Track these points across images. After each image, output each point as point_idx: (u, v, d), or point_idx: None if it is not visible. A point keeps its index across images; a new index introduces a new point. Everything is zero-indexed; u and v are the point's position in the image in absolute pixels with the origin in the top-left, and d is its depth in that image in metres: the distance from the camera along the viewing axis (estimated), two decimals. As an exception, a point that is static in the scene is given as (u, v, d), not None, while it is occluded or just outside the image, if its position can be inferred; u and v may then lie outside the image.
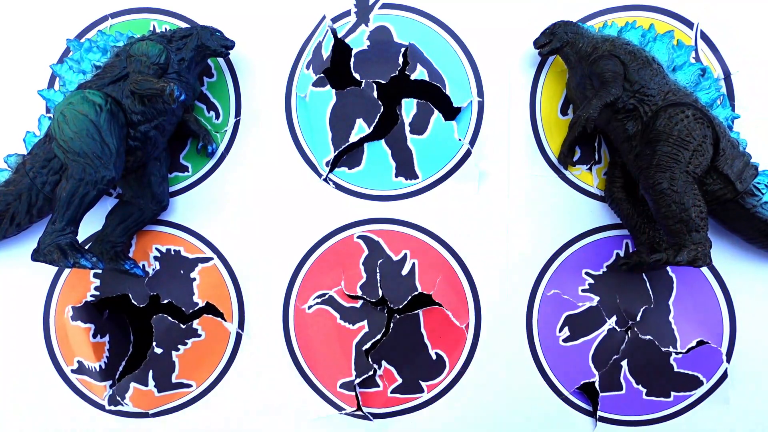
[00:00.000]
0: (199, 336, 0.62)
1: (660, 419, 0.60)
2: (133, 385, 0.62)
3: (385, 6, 0.64)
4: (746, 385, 0.59)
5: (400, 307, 0.64)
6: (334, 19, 0.64)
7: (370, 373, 0.62)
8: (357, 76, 0.62)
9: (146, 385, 0.62)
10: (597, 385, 0.64)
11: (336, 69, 0.64)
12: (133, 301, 0.62)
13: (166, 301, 0.62)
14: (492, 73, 0.64)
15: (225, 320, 0.62)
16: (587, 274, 0.61)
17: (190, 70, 0.60)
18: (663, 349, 0.60)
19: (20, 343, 0.64)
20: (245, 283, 0.64)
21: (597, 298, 0.60)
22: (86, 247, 0.60)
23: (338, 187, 0.66)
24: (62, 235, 0.52)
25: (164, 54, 0.56)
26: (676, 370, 0.60)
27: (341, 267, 0.64)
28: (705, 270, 0.60)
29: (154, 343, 0.61)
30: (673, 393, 0.60)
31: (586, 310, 0.61)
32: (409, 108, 0.63)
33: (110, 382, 0.63)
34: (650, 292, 0.61)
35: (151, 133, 0.58)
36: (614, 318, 0.60)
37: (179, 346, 0.62)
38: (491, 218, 0.61)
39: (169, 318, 0.62)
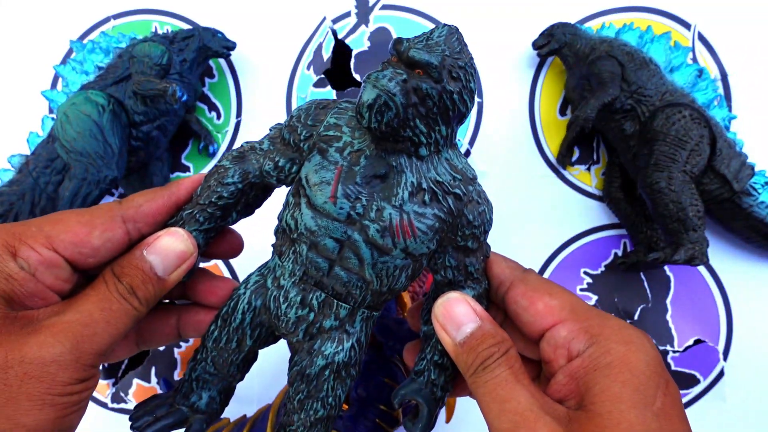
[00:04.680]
0: (203, 332, 0.62)
1: (657, 417, 0.60)
2: (136, 381, 0.62)
3: (385, 7, 0.64)
4: (743, 382, 0.59)
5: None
6: (335, 20, 0.64)
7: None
8: (357, 76, 0.63)
9: (149, 381, 0.63)
10: (595, 383, 0.64)
11: (336, 70, 0.65)
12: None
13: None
14: (491, 74, 0.64)
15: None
16: (585, 273, 0.61)
17: (192, 71, 0.60)
18: (660, 348, 0.60)
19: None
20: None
21: (595, 297, 0.61)
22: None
23: (339, 187, 0.66)
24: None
25: (166, 55, 0.56)
26: (673, 368, 0.60)
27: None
28: (702, 269, 0.61)
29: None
30: (670, 391, 0.60)
31: (584, 309, 0.61)
32: (408, 108, 0.64)
33: (113, 380, 0.63)
34: (648, 291, 0.61)
35: (153, 133, 0.59)
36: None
37: (181, 343, 0.62)
38: (490, 218, 0.61)
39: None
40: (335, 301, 0.28)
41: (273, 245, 0.30)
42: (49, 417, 0.23)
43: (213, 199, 0.29)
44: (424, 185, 0.26)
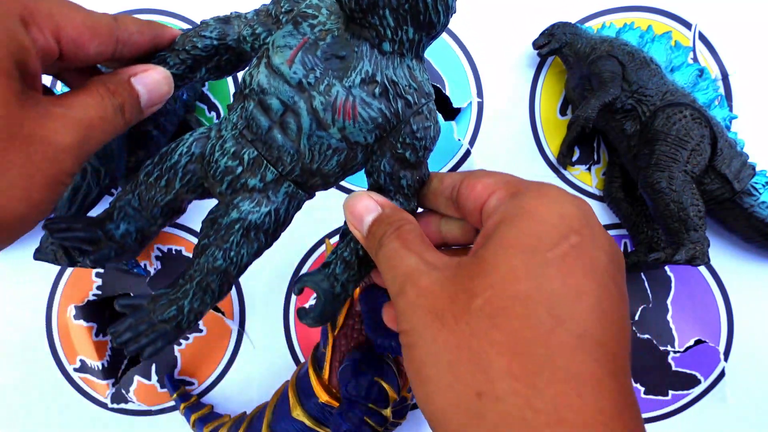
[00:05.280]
0: (201, 331, 0.62)
1: (658, 417, 0.60)
2: (137, 378, 0.62)
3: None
4: (743, 383, 0.59)
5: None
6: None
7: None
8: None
9: (149, 379, 0.63)
10: (596, 383, 0.64)
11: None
12: (134, 300, 0.63)
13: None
14: (491, 74, 0.64)
15: (226, 317, 0.63)
16: (586, 273, 0.61)
17: (192, 71, 0.60)
18: (661, 348, 0.60)
19: (23, 341, 0.64)
20: (246, 283, 0.64)
21: (596, 297, 0.60)
22: (89, 247, 0.60)
23: (339, 186, 0.66)
24: (65, 234, 0.52)
25: (166, 55, 0.56)
26: (674, 368, 0.60)
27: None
28: (703, 269, 0.60)
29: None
30: (671, 391, 0.60)
31: (584, 309, 0.61)
32: (409, 108, 0.64)
33: (112, 380, 0.63)
34: (648, 292, 0.61)
35: (153, 133, 0.59)
36: (613, 317, 0.60)
37: (181, 341, 0.62)
38: (490, 218, 0.61)
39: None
40: (265, 162, 0.29)
41: (228, 106, 0.31)
42: (50, 199, 0.24)
43: (187, 47, 0.30)
44: (378, 78, 0.27)
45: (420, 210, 0.33)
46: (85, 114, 0.26)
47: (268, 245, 0.31)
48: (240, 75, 0.35)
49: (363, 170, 0.32)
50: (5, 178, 0.22)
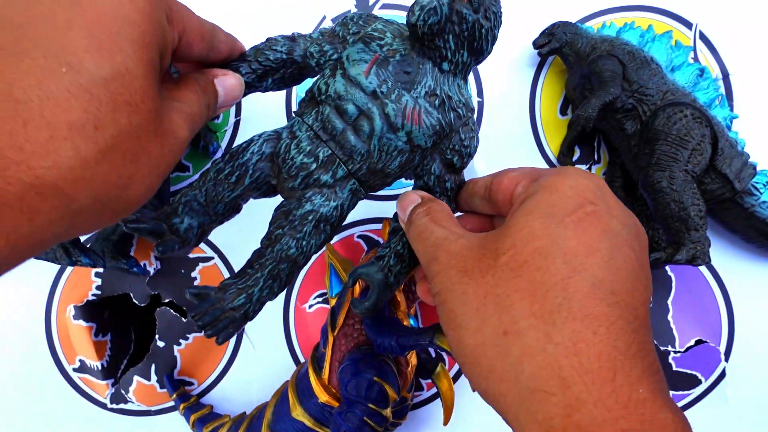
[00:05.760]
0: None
1: (659, 417, 0.60)
2: (136, 378, 0.62)
3: (385, 6, 0.64)
4: (744, 383, 0.59)
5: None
6: (335, 20, 0.64)
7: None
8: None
9: (149, 379, 0.63)
10: (596, 384, 0.63)
11: (336, 69, 0.64)
12: (134, 300, 0.63)
13: (167, 300, 0.62)
14: (491, 74, 0.64)
15: (226, 319, 0.63)
16: (586, 273, 0.61)
17: (192, 70, 0.60)
18: (662, 348, 0.60)
19: (22, 341, 0.64)
20: (246, 283, 0.64)
21: (596, 298, 0.60)
22: (87, 246, 0.60)
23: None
24: (65, 234, 0.52)
25: (166, 54, 0.56)
26: (674, 369, 0.60)
27: (341, 266, 0.64)
28: (703, 269, 0.60)
29: (156, 336, 0.61)
30: (671, 392, 0.60)
31: (585, 309, 0.61)
32: (409, 108, 0.64)
33: (112, 380, 0.63)
34: (649, 292, 0.61)
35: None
36: (613, 317, 0.60)
37: (180, 341, 0.62)
38: (491, 217, 0.61)
39: (172, 311, 0.62)
40: (338, 160, 0.32)
41: (294, 112, 0.34)
42: (158, 187, 0.26)
43: (260, 59, 0.34)
44: (438, 92, 0.31)
45: (458, 214, 0.36)
46: (191, 109, 0.28)
47: (330, 238, 0.34)
48: (306, 85, 0.37)
49: (402, 179, 0.36)
50: (143, 167, 0.24)
